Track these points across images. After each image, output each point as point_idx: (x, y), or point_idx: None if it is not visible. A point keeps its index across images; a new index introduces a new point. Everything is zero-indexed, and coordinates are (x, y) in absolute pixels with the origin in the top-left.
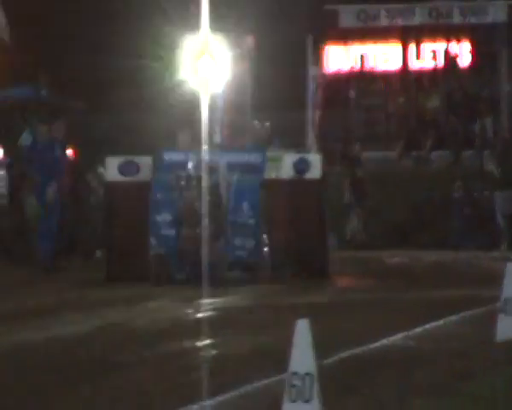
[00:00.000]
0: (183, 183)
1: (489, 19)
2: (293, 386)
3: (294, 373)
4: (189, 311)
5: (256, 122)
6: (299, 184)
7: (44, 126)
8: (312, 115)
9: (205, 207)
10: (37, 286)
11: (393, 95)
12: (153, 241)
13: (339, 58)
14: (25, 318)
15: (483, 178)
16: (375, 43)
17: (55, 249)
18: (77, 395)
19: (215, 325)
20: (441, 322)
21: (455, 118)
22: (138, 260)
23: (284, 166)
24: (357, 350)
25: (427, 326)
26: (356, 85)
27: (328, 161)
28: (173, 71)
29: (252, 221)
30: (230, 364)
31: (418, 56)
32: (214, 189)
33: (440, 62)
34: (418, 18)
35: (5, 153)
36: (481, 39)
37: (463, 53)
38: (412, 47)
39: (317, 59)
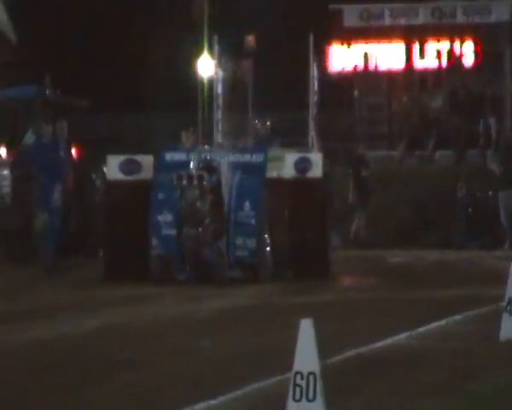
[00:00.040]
0: (184, 182)
1: (492, 18)
2: (297, 385)
3: (298, 373)
4: (192, 310)
5: (257, 121)
6: (300, 184)
7: (48, 126)
8: (314, 114)
9: (206, 207)
10: (40, 286)
11: (397, 94)
12: (154, 241)
13: (342, 57)
14: (29, 317)
15: (486, 177)
16: (378, 42)
17: (59, 249)
18: (82, 394)
19: (218, 325)
20: (444, 321)
21: (458, 117)
22: (139, 260)
23: (285, 165)
24: (361, 349)
25: (431, 326)
26: (359, 85)
27: (331, 160)
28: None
29: (253, 221)
30: (234, 363)
31: (422, 56)
32: (215, 188)
33: (444, 62)
34: (422, 17)
35: (9, 152)
36: (485, 39)
37: (467, 52)
38: (416, 46)
39: (319, 58)
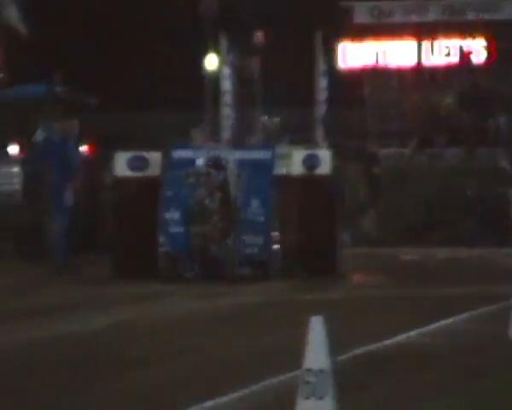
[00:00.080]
0: (192, 180)
1: (503, 15)
2: (307, 383)
3: (308, 370)
4: (201, 308)
5: (265, 118)
6: (309, 181)
7: (59, 124)
8: (323, 111)
9: (214, 205)
10: (50, 284)
11: (407, 91)
12: (162, 238)
13: (353, 54)
14: (39, 315)
15: (497, 175)
16: (389, 39)
17: (70, 247)
18: (92, 392)
19: (227, 323)
20: (454, 319)
21: (469, 115)
22: (146, 257)
23: (294, 162)
24: (371, 347)
25: (441, 323)
26: (370, 82)
27: (342, 157)
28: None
29: (262, 218)
30: (244, 360)
31: (432, 53)
32: (223, 186)
33: (454, 59)
34: (432, 15)
35: (20, 150)
36: (495, 36)
37: (477, 50)
38: (426, 44)
39: (329, 55)
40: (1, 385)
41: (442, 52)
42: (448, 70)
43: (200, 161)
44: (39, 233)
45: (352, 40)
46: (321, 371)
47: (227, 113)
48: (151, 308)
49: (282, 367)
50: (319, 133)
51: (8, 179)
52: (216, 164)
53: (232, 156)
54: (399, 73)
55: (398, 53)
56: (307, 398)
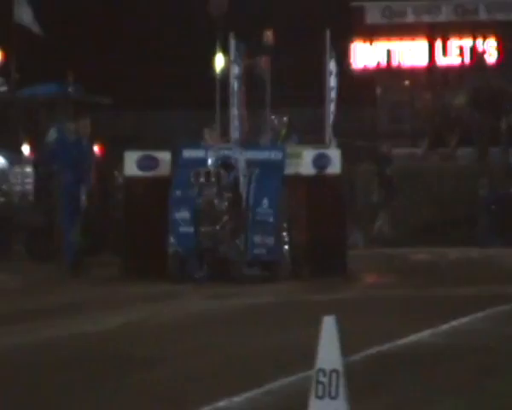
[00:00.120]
0: (201, 179)
1: None
2: (320, 383)
3: (321, 370)
4: (211, 308)
5: (274, 117)
6: (319, 180)
7: (71, 123)
8: (332, 111)
9: (223, 205)
10: (61, 284)
11: (419, 91)
12: (172, 239)
13: (365, 55)
14: (50, 315)
15: (509, 174)
16: (401, 39)
17: (81, 247)
18: (102, 392)
19: (238, 323)
20: (467, 319)
21: (480, 114)
22: (156, 257)
23: (304, 162)
24: (384, 347)
25: (453, 323)
26: (382, 82)
27: (351, 158)
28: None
29: (271, 218)
30: (256, 360)
31: (444, 53)
32: (233, 186)
33: (466, 59)
34: (444, 15)
35: (32, 150)
36: (507, 36)
37: (490, 49)
38: (438, 44)
39: (340, 55)
40: (14, 383)
41: (454, 52)
42: (460, 70)
43: (210, 161)
44: (51, 234)
45: (364, 40)
46: (334, 371)
47: (236, 113)
48: (162, 308)
49: (294, 367)
50: (328, 133)
51: (21, 180)
52: (226, 164)
53: (242, 156)
54: (411, 74)
55: (409, 53)
56: (320, 398)
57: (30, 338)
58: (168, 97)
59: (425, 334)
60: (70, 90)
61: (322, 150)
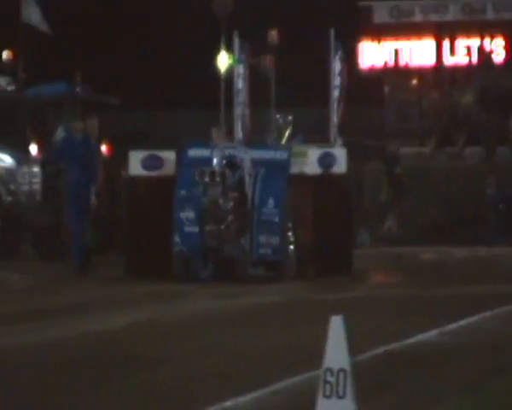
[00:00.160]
0: (206, 179)
1: None
2: (328, 382)
3: (328, 369)
4: (218, 308)
5: (279, 116)
6: (324, 180)
7: (79, 123)
8: (339, 110)
9: (228, 204)
10: (69, 283)
11: (427, 91)
12: (176, 238)
13: (373, 54)
14: (57, 315)
15: None
16: (408, 39)
17: (89, 246)
18: (108, 391)
19: (246, 322)
20: (475, 318)
21: (488, 114)
22: (160, 257)
23: (309, 161)
24: (391, 346)
25: (461, 322)
26: (389, 81)
27: (360, 157)
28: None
29: (277, 218)
30: (263, 360)
31: (452, 52)
32: (239, 185)
33: (474, 58)
34: (452, 14)
35: (40, 150)
36: None
37: (497, 49)
38: (446, 43)
39: (346, 54)
40: (20, 383)
41: (461, 51)
42: (467, 69)
43: (215, 161)
44: (58, 233)
45: (372, 40)
46: (341, 370)
47: (240, 112)
48: (168, 308)
49: (300, 367)
50: (333, 132)
51: (28, 179)
52: (231, 163)
53: (248, 156)
54: (419, 73)
55: (417, 52)
56: (327, 397)
57: (37, 338)
58: (175, 97)
59: (432, 333)
60: (78, 89)
61: (327, 149)
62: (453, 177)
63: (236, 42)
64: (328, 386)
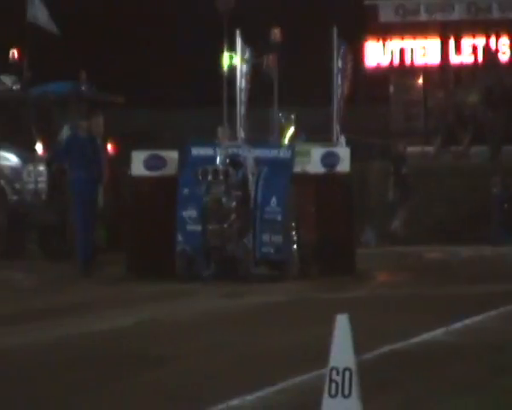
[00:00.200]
0: (209, 177)
1: None
2: (333, 381)
3: (334, 368)
4: (224, 307)
5: (281, 115)
6: (328, 179)
7: (85, 122)
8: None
9: (231, 203)
10: (73, 282)
11: (432, 90)
12: (179, 237)
13: (378, 53)
14: (61, 314)
15: None
16: (414, 38)
17: (95, 245)
18: (115, 390)
19: (250, 321)
20: (480, 317)
21: (493, 113)
22: (163, 256)
23: (312, 160)
24: (397, 345)
25: (467, 322)
26: (395, 80)
27: (366, 156)
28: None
29: (279, 217)
30: (268, 359)
31: (457, 51)
32: (242, 184)
33: (479, 57)
34: (457, 13)
35: (45, 149)
36: None
37: (503, 48)
38: (451, 42)
39: (350, 52)
40: (25, 382)
41: (466, 50)
42: (473, 68)
43: (218, 159)
44: (64, 232)
45: (377, 39)
46: (347, 369)
47: (243, 111)
48: (173, 307)
49: (306, 366)
50: (336, 131)
51: (34, 178)
52: (234, 162)
53: (251, 154)
54: (424, 72)
55: (422, 51)
56: (333, 396)
57: (41, 337)
58: (180, 96)
59: (437, 332)
60: (83, 88)
61: (330, 149)
62: (458, 176)
63: (239, 40)
64: (333, 385)
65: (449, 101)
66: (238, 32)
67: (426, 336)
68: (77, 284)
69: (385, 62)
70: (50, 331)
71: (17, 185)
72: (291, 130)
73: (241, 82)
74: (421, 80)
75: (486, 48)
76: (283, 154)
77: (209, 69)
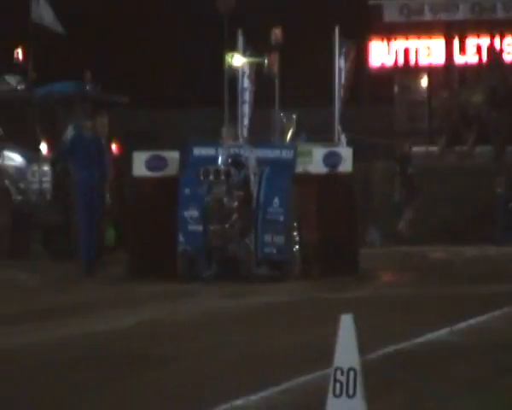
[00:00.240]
0: (211, 177)
1: None
2: (337, 381)
3: (338, 368)
4: (226, 307)
5: (282, 115)
6: (330, 179)
7: (89, 122)
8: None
9: (233, 203)
10: (77, 282)
11: (437, 90)
12: (181, 237)
13: (382, 53)
14: (64, 314)
15: None
16: (418, 38)
17: (99, 245)
18: (117, 390)
19: (253, 321)
20: (484, 317)
21: (498, 113)
22: (164, 257)
23: (314, 160)
24: (401, 345)
25: (471, 321)
26: (399, 80)
27: (370, 156)
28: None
29: (282, 217)
30: (272, 359)
31: (461, 51)
32: (244, 184)
33: (484, 57)
34: (462, 13)
35: (50, 148)
36: None
37: (507, 48)
38: (455, 42)
39: (351, 52)
40: (27, 382)
41: (471, 50)
42: (477, 68)
43: (220, 159)
44: (68, 232)
45: (382, 38)
46: (351, 369)
47: (245, 111)
48: (175, 307)
49: (309, 366)
50: (337, 131)
51: (38, 178)
52: (236, 162)
53: (253, 154)
54: (428, 72)
55: (427, 51)
56: (337, 397)
57: (44, 337)
58: (184, 96)
59: (442, 332)
60: (87, 88)
61: (332, 149)
62: (462, 176)
63: (241, 40)
64: (338, 385)
65: (453, 101)
66: (240, 32)
67: (430, 336)
68: (80, 284)
69: (389, 62)
70: (54, 331)
71: (21, 185)
72: (291, 130)
73: (242, 82)
74: (425, 80)
75: (491, 48)
76: (285, 154)
77: (209, 69)
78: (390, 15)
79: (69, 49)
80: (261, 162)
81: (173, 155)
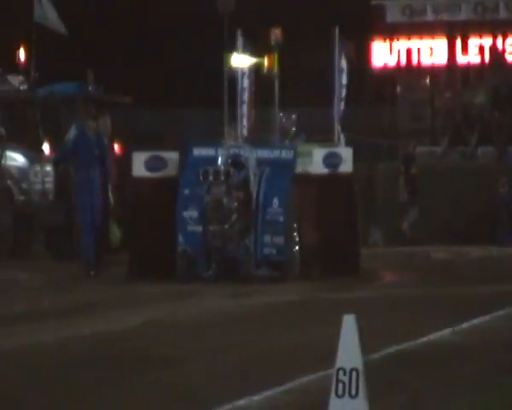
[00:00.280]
0: (210, 178)
1: None
2: (340, 381)
3: (341, 368)
4: (228, 307)
5: (282, 115)
6: (330, 179)
7: (92, 122)
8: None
9: (233, 203)
10: (79, 283)
11: (439, 90)
12: (180, 237)
13: (385, 53)
14: (67, 314)
15: None
16: (420, 38)
17: (100, 245)
18: (120, 390)
19: (256, 321)
20: (487, 317)
21: (500, 113)
22: (164, 257)
23: (314, 160)
24: (403, 345)
25: (473, 322)
26: (402, 80)
27: (373, 156)
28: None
29: (281, 218)
30: (274, 359)
31: (464, 51)
32: (243, 185)
33: (486, 57)
34: (464, 13)
35: (52, 149)
36: None
37: (509, 48)
38: (458, 42)
39: (352, 52)
40: (31, 383)
41: (473, 50)
42: (480, 68)
43: (220, 160)
44: (70, 232)
45: (384, 39)
46: (353, 369)
47: (244, 111)
48: (178, 307)
49: (312, 366)
50: (337, 131)
51: (41, 178)
52: (236, 162)
53: (253, 155)
54: (431, 72)
55: (429, 51)
56: (340, 397)
57: (47, 337)
58: (186, 96)
59: (444, 332)
60: (90, 88)
61: (333, 149)
62: (465, 176)
63: (240, 40)
64: (340, 385)
65: (456, 101)
66: (239, 32)
67: (432, 337)
68: (82, 285)
69: (392, 62)
70: (56, 332)
71: (24, 185)
72: (292, 130)
73: (242, 82)
74: (428, 80)
75: (493, 48)
76: (285, 154)
77: (209, 69)
78: (392, 16)
79: (71, 49)
80: (261, 163)
81: (172, 156)
